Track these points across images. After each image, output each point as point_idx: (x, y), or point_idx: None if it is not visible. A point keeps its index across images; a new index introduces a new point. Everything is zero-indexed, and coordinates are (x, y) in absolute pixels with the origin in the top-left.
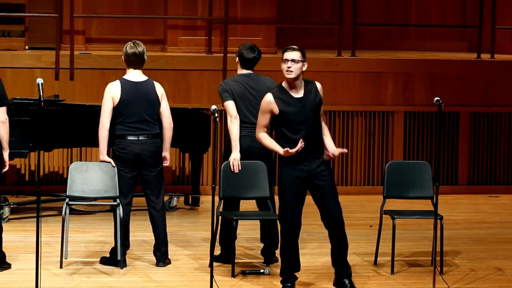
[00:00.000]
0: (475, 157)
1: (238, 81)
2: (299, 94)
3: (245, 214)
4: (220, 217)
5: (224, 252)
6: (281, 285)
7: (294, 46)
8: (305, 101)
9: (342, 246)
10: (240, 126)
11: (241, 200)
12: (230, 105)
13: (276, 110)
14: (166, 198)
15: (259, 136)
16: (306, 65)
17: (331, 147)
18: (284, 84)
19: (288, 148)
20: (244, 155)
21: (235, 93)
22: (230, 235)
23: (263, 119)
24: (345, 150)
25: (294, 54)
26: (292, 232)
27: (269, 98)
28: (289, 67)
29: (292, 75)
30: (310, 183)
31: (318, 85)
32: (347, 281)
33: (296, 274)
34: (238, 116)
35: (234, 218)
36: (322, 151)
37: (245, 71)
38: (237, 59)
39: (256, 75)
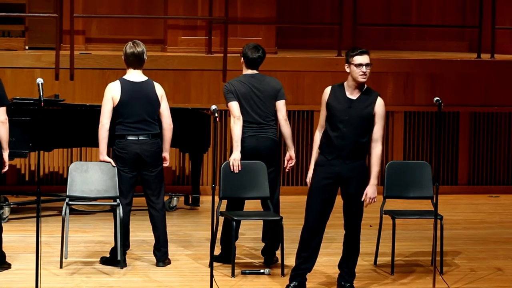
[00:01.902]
0: (475, 157)
1: (243, 82)
2: (353, 95)
3: (245, 214)
4: (221, 217)
5: (224, 252)
6: (281, 285)
7: (363, 49)
8: (355, 104)
9: (353, 251)
10: (246, 127)
11: (246, 200)
12: (234, 106)
13: (326, 101)
14: (166, 198)
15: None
16: None
17: (367, 187)
18: (346, 83)
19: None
20: (250, 155)
21: (240, 93)
22: (230, 235)
23: (320, 116)
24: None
25: (367, 58)
26: (311, 231)
27: (327, 89)
28: (364, 72)
29: (366, 79)
30: (339, 185)
31: (379, 100)
32: (348, 285)
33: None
34: (241, 117)
35: (235, 218)
36: (356, 159)
37: (250, 71)
38: (242, 59)
39: (261, 75)
